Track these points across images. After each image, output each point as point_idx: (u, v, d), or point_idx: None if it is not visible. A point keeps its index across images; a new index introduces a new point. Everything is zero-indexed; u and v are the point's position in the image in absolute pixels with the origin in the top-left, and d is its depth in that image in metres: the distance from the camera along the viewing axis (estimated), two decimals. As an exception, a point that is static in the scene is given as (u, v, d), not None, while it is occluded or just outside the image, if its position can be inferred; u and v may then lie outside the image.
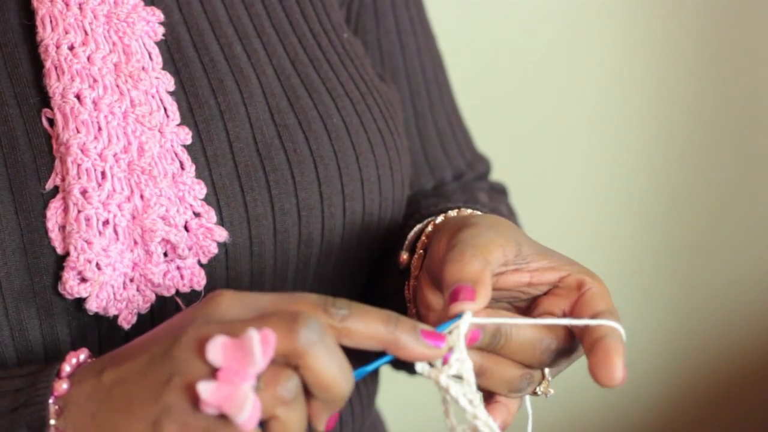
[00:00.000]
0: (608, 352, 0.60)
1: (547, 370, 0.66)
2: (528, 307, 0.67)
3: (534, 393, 0.67)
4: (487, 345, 0.62)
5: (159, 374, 0.55)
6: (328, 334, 0.55)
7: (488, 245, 0.63)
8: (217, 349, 0.54)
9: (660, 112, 1.55)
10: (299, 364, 0.55)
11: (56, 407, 0.58)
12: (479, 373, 0.63)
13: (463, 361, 0.60)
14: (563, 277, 0.66)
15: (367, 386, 0.87)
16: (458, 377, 0.60)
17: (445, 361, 0.60)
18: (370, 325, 0.57)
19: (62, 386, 0.59)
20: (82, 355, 0.61)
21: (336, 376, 0.55)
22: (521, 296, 0.67)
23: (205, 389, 0.53)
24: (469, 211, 0.74)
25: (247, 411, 0.53)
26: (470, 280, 0.61)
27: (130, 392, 0.56)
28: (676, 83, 1.53)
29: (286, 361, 0.55)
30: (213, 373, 0.54)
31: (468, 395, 0.60)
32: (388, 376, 0.98)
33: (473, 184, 0.94)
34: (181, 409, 0.54)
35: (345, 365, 0.56)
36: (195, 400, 0.54)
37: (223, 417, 0.54)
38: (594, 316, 0.63)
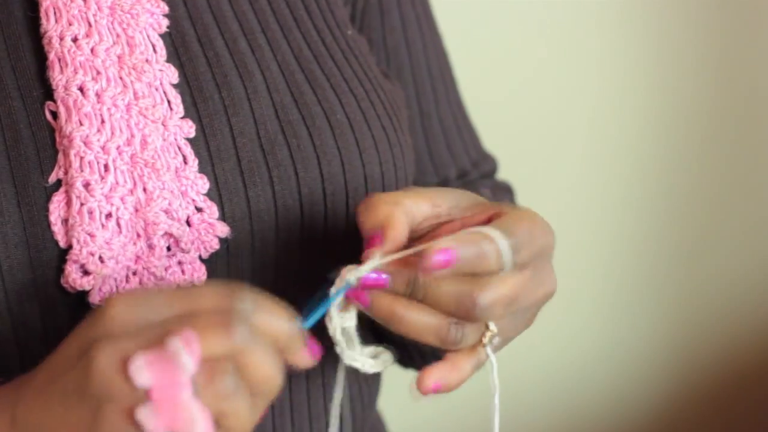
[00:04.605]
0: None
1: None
2: None
3: (481, 344, 0.65)
4: (404, 292, 0.62)
5: (83, 412, 0.54)
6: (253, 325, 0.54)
7: (406, 195, 0.64)
8: (141, 369, 0.51)
9: (660, 112, 1.55)
10: (237, 362, 0.53)
11: None
12: (389, 318, 0.63)
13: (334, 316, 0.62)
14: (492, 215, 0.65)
15: (369, 385, 0.87)
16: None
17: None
18: (273, 323, 0.55)
19: None
20: None
21: (272, 370, 0.54)
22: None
23: (147, 418, 0.51)
24: None
25: (201, 426, 0.51)
26: (380, 223, 0.62)
27: None
28: (676, 83, 1.54)
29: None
30: (146, 394, 0.52)
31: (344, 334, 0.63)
32: (389, 378, 0.98)
33: (476, 182, 0.94)
34: None
35: (276, 355, 0.55)
36: (139, 427, 0.52)
37: None
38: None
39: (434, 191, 0.66)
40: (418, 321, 0.62)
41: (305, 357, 0.57)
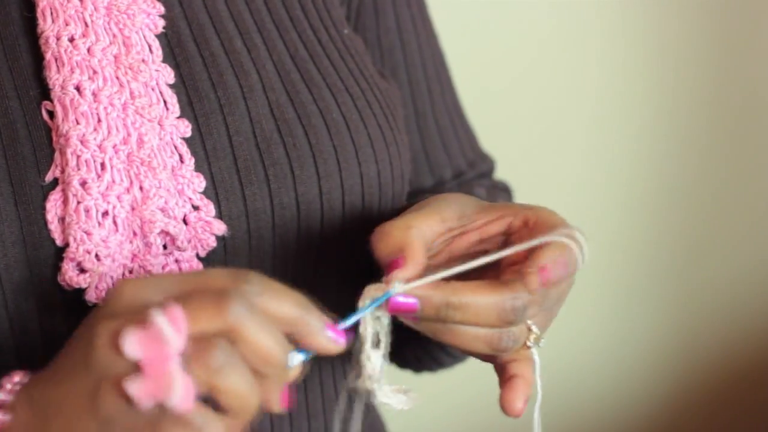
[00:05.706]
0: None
1: (529, 320, 0.65)
2: (497, 270, 0.67)
3: (526, 346, 0.66)
4: (434, 316, 0.61)
5: (86, 385, 0.54)
6: (256, 305, 0.54)
7: (416, 217, 0.65)
8: (131, 343, 0.52)
9: (660, 111, 1.55)
10: (234, 338, 0.53)
11: None
12: (439, 331, 0.63)
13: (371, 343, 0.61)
14: (511, 223, 0.66)
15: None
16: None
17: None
18: (282, 306, 0.55)
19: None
20: (17, 377, 0.59)
21: (273, 344, 0.54)
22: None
23: (133, 385, 0.52)
24: None
25: (178, 391, 0.51)
26: (397, 249, 0.62)
27: (66, 412, 0.55)
28: (676, 83, 1.54)
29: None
30: (136, 367, 0.52)
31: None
32: (388, 376, 0.98)
33: (472, 183, 0.94)
34: (120, 414, 0.53)
35: (278, 333, 0.55)
36: (130, 400, 0.52)
37: (162, 407, 0.52)
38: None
39: (439, 205, 0.67)
40: (469, 331, 0.63)
41: (324, 340, 0.57)
